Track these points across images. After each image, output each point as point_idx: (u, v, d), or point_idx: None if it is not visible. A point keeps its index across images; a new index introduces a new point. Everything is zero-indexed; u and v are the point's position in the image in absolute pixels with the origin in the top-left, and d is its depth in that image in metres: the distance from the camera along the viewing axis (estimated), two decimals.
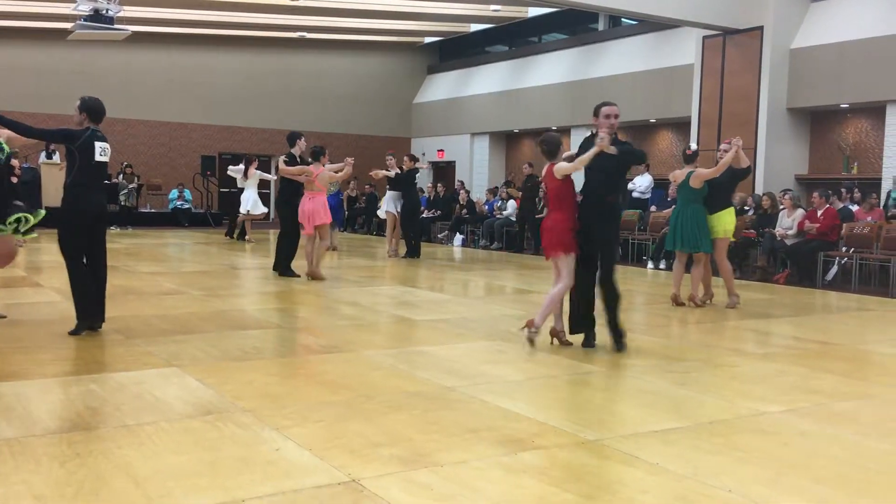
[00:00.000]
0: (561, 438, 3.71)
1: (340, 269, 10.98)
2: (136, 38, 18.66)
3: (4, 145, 6.11)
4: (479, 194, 19.40)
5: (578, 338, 5.96)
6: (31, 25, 19.49)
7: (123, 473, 3.14)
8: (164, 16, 19.81)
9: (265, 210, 16.51)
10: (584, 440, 3.70)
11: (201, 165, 21.97)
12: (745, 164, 8.03)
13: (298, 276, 9.74)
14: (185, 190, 21.04)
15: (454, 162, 23.96)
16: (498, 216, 16.39)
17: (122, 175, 19.49)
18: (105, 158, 5.95)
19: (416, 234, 13.34)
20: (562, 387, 4.77)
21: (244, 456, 3.38)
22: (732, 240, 8.75)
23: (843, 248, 11.05)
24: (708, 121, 15.35)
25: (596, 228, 5.80)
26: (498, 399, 4.37)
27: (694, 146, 8.50)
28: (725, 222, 8.22)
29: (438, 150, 24.47)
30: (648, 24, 17.40)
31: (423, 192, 19.07)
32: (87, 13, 13.31)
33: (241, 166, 15.71)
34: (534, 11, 20.92)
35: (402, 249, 13.39)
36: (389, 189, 13.47)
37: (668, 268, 11.52)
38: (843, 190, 13.15)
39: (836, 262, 11.09)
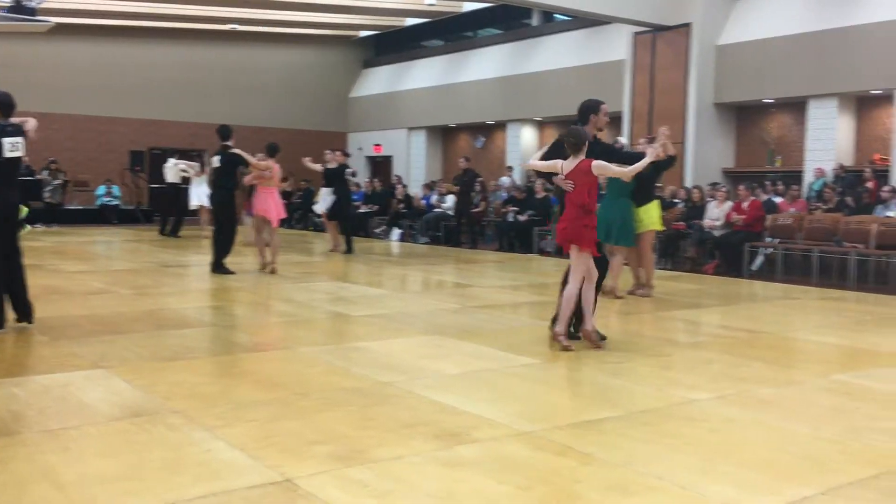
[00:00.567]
0: (497, 431, 3.74)
1: (279, 265, 10.82)
2: (61, 29, 18.03)
3: None
4: (416, 189, 19.38)
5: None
6: None
7: (46, 479, 3.04)
8: (89, 7, 19.18)
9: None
10: (519, 432, 3.72)
11: (130, 161, 21.38)
12: (670, 152, 8.16)
13: (234, 272, 9.57)
14: (114, 186, 20.46)
15: (391, 156, 23.88)
16: (437, 209, 16.37)
17: (46, 171, 18.80)
18: (16, 154, 5.64)
19: (345, 230, 13.13)
20: (498, 380, 4.80)
21: (174, 458, 3.30)
22: (661, 229, 8.96)
23: (768, 239, 11.42)
24: (639, 115, 15.65)
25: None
26: (435, 393, 4.37)
27: (622, 140, 8.65)
28: (652, 215, 8.43)
29: (375, 145, 24.35)
30: (581, 20, 17.63)
31: (360, 188, 18.97)
32: (8, 4, 12.80)
33: (196, 162, 15.69)
34: (469, 6, 20.97)
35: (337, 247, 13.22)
36: (324, 186, 13.40)
37: None
38: (767, 182, 13.58)
39: (762, 252, 11.44)
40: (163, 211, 16.55)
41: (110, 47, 21.52)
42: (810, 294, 9.30)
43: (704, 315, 7.65)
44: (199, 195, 15.41)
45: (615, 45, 16.96)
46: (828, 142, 14.11)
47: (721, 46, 15.04)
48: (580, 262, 5.57)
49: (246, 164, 9.94)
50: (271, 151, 10.14)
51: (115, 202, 20.26)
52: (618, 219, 8.11)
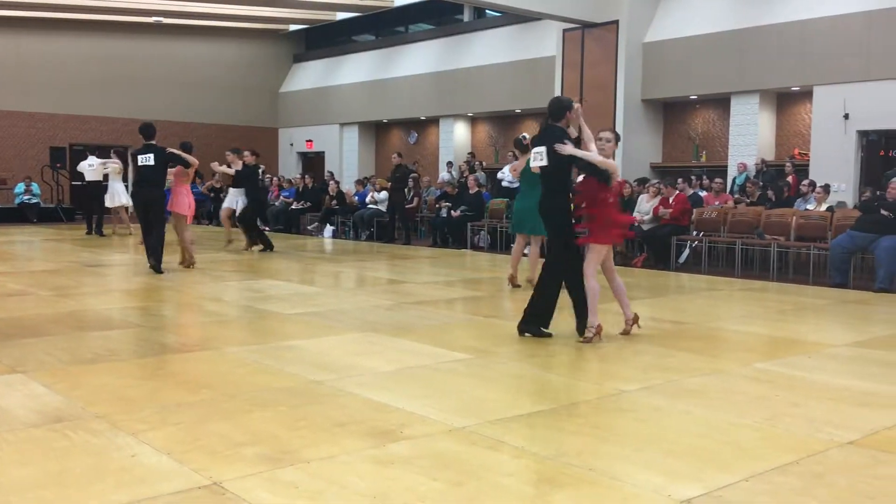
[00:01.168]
0: (429, 427, 3.73)
1: (205, 264, 10.60)
2: None
3: None
4: (348, 185, 19.23)
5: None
6: None
7: None
8: None
9: None
10: (452, 428, 3.72)
11: (50, 157, 20.64)
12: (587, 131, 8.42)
13: (164, 272, 9.39)
14: (33, 184, 19.73)
15: (323, 152, 23.66)
16: (371, 205, 16.27)
17: None
18: None
19: (252, 229, 12.63)
20: (431, 376, 4.79)
21: (96, 464, 3.19)
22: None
23: (694, 233, 11.72)
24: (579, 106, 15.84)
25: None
26: (367, 391, 4.34)
27: (527, 135, 8.98)
28: None
29: (307, 141, 24.08)
30: (511, 17, 17.77)
31: (271, 186, 18.75)
32: None
33: (114, 159, 15.27)
34: (400, 1, 20.90)
35: (241, 243, 12.72)
36: (232, 186, 12.98)
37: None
38: (693, 177, 13.93)
39: (688, 245, 11.74)
40: (87, 209, 16.05)
41: (29, 40, 20.71)
42: (734, 285, 9.58)
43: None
44: (118, 193, 15.09)
45: (546, 42, 17.15)
46: (750, 137, 14.57)
47: (647, 44, 15.36)
48: (596, 254, 5.76)
49: (187, 164, 10.02)
50: (187, 149, 10.08)
51: (35, 200, 19.54)
52: (534, 209, 8.28)
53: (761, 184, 12.95)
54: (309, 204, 17.91)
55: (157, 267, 9.44)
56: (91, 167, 15.43)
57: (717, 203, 12.44)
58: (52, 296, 7.62)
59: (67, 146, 21.33)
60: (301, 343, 5.63)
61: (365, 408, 4.04)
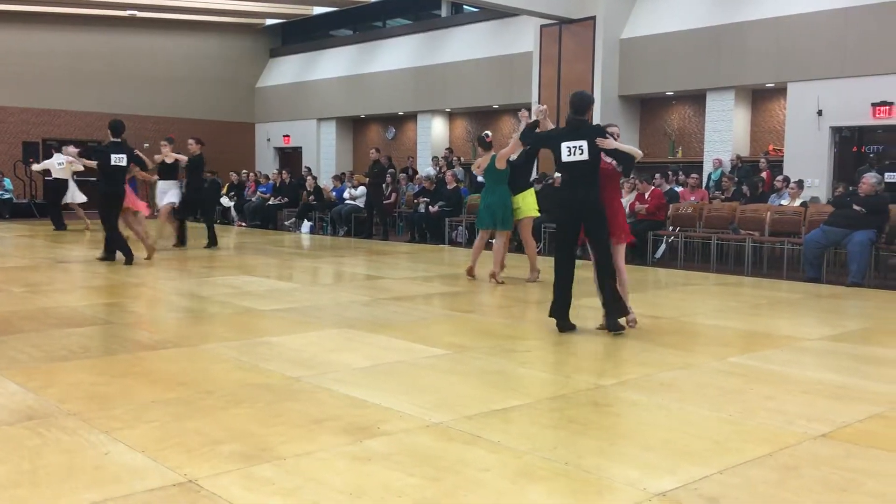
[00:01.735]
0: (406, 423, 3.73)
1: (180, 260, 10.52)
2: None
3: None
4: (326, 180, 19.16)
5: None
6: None
7: None
8: None
9: None
10: (429, 423, 3.73)
11: (23, 153, 20.34)
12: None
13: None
14: (5, 179, 19.45)
15: (300, 148, 23.53)
16: (349, 201, 16.20)
17: None
18: None
19: (182, 223, 12.13)
20: (408, 372, 4.79)
21: (69, 462, 3.16)
22: (537, 216, 9.35)
23: (671, 228, 11.80)
24: (547, 107, 15.88)
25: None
26: (344, 387, 4.33)
27: (490, 133, 9.20)
28: (529, 202, 8.87)
29: (284, 136, 23.94)
30: (489, 12, 17.77)
31: (213, 174, 18.46)
32: None
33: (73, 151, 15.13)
34: None
35: (171, 241, 12.13)
36: (160, 179, 11.84)
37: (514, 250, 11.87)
38: (669, 172, 14.02)
39: (665, 240, 11.82)
40: (53, 205, 15.91)
41: (0, 34, 20.38)
42: (709, 280, 9.67)
43: None
44: (75, 190, 15.08)
45: (523, 38, 17.17)
46: (725, 133, 14.69)
47: (624, 40, 15.43)
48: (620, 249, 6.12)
49: (145, 166, 10.29)
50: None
51: (7, 196, 19.26)
52: (499, 205, 8.60)
53: (736, 179, 13.07)
54: (286, 199, 17.81)
55: (130, 261, 9.61)
56: (60, 165, 15.34)
57: (693, 199, 12.53)
58: (24, 292, 7.52)
59: (40, 141, 21.03)
60: (278, 339, 5.61)
61: (342, 404, 4.03)
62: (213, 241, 12.29)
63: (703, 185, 13.88)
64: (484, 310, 7.23)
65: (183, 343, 5.43)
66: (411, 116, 20.88)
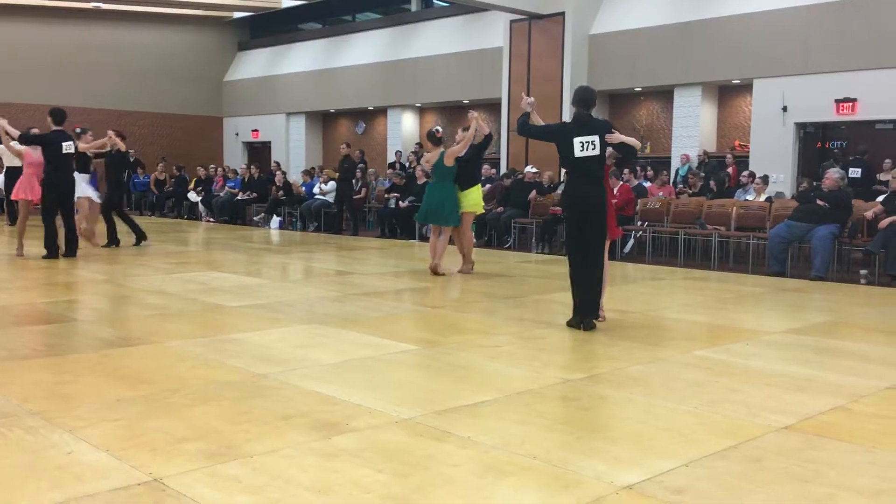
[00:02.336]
0: (375, 419, 3.72)
1: (146, 256, 10.38)
2: None
3: None
4: (295, 175, 19.04)
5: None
6: None
7: None
8: None
9: None
10: (398, 419, 3.72)
11: None
12: (485, 132, 9.01)
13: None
14: None
15: (269, 142, 23.35)
16: (319, 196, 16.11)
17: None
18: None
19: (111, 217, 11.53)
20: (377, 367, 4.78)
21: (31, 463, 3.10)
22: (481, 212, 9.54)
23: (639, 223, 11.90)
24: (517, 102, 15.90)
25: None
26: (312, 384, 4.31)
27: (440, 128, 9.32)
28: (473, 198, 9.04)
29: (253, 130, 23.74)
30: (459, 7, 17.76)
31: (225, 173, 18.47)
32: None
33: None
34: None
35: (104, 240, 11.50)
36: (78, 171, 10.68)
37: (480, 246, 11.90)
38: (637, 168, 14.12)
39: (633, 235, 11.92)
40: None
41: None
42: (676, 274, 9.77)
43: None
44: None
45: (493, 33, 17.19)
46: (692, 129, 14.85)
47: (593, 36, 15.51)
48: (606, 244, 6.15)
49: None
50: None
51: None
52: (446, 201, 8.77)
53: (703, 175, 13.21)
54: (255, 195, 17.66)
55: (74, 253, 9.83)
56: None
57: (660, 194, 12.65)
58: None
59: None
60: (245, 336, 5.56)
61: (310, 400, 4.01)
62: (141, 235, 11.70)
63: (671, 180, 14.01)
64: (453, 305, 7.23)
65: (148, 340, 5.36)
66: (381, 111, 20.82)
